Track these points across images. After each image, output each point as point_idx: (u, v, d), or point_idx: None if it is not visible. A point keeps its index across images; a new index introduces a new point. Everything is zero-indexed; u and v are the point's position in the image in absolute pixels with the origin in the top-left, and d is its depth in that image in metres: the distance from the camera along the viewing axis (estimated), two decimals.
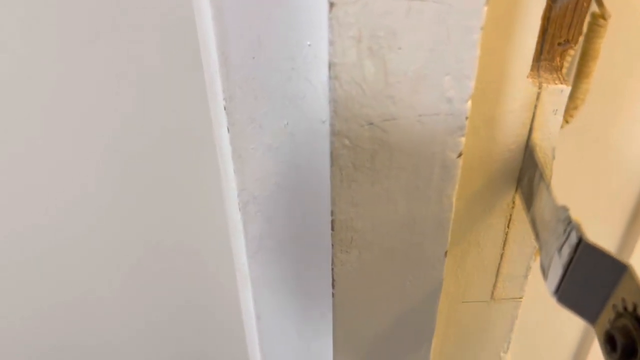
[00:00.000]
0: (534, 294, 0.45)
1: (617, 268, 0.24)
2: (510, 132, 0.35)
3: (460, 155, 0.31)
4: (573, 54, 0.36)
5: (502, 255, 0.41)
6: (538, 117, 0.35)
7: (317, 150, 0.36)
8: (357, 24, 0.27)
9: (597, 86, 0.44)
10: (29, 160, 0.48)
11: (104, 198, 0.50)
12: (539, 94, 0.34)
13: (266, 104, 0.35)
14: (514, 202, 0.39)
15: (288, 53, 0.33)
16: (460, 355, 0.48)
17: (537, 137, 0.35)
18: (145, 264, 0.55)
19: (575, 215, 0.26)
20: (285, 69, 0.33)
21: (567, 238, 0.26)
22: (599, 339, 0.25)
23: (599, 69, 0.38)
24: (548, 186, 0.31)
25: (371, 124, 0.30)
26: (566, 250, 0.26)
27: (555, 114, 0.34)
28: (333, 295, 0.38)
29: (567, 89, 0.34)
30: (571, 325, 0.69)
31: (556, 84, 0.33)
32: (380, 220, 0.34)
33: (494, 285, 0.43)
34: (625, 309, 0.23)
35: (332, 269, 0.37)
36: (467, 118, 0.30)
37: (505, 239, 0.40)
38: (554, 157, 0.36)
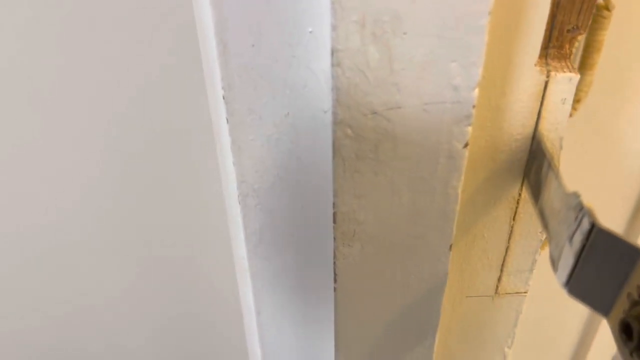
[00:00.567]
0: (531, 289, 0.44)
1: (632, 254, 0.23)
2: (517, 122, 0.34)
3: (466, 145, 0.30)
4: (578, 43, 0.35)
5: (507, 249, 0.40)
6: (546, 106, 0.34)
7: (318, 141, 0.35)
8: (361, 8, 0.26)
9: (601, 78, 0.43)
10: (28, 159, 0.47)
11: (100, 193, 0.49)
12: (546, 83, 0.33)
13: (266, 93, 0.34)
14: (520, 195, 0.38)
15: (289, 40, 0.32)
16: (464, 351, 0.48)
17: (544, 126, 0.34)
18: (142, 259, 0.54)
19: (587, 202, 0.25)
20: (286, 57, 0.32)
21: (578, 225, 0.25)
22: (613, 330, 0.24)
23: (602, 61, 0.37)
24: (557, 174, 0.29)
25: (375, 112, 0.29)
26: (578, 238, 0.25)
27: (563, 103, 0.33)
28: (335, 289, 0.37)
29: (575, 77, 0.33)
30: (571, 322, 0.68)
31: (565, 72, 0.32)
32: (383, 213, 0.33)
33: (499, 280, 0.42)
34: None
35: (334, 263, 0.36)
36: (474, 107, 0.29)
37: (511, 232, 0.40)
38: (561, 148, 0.35)
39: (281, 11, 0.31)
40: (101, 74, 0.43)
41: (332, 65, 0.28)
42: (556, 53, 0.33)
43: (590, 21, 0.34)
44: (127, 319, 0.59)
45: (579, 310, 0.66)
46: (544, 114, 0.34)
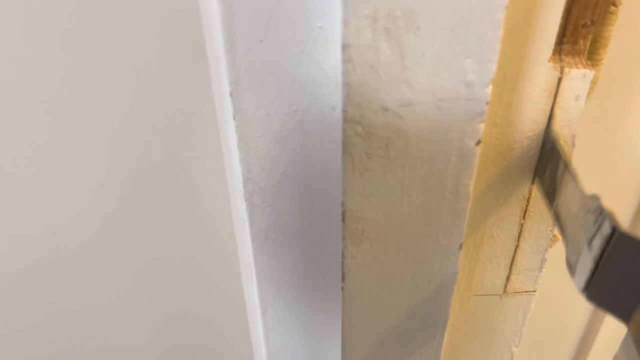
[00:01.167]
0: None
1: None
2: (529, 119, 0.34)
3: (478, 142, 0.30)
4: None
5: (516, 248, 0.40)
6: (559, 103, 0.33)
7: (327, 138, 0.34)
8: (373, 3, 0.26)
9: (606, 74, 0.43)
10: (33, 156, 0.46)
11: (104, 192, 0.48)
12: (560, 79, 0.32)
13: (274, 89, 0.33)
14: (530, 193, 0.37)
15: (297, 35, 0.31)
16: (471, 350, 0.47)
17: (556, 124, 0.34)
18: (146, 257, 0.54)
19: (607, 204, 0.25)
20: (294, 53, 0.32)
21: (598, 228, 0.24)
22: (635, 337, 0.23)
23: (608, 57, 0.37)
24: (575, 177, 0.29)
25: (386, 109, 0.29)
26: (597, 242, 0.24)
27: (577, 100, 0.33)
28: (343, 289, 0.37)
29: (590, 74, 0.32)
30: (572, 321, 0.68)
31: (579, 68, 0.32)
32: (393, 211, 0.33)
33: (507, 278, 0.42)
34: None
35: (342, 262, 0.35)
36: (487, 103, 0.28)
37: (521, 230, 0.39)
38: (574, 145, 0.35)
39: (290, 6, 0.30)
40: (103, 71, 0.42)
41: (343, 61, 0.28)
42: (570, 49, 0.33)
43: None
44: (130, 318, 0.59)
45: (581, 308, 0.65)
46: (556, 111, 0.33)
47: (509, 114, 0.34)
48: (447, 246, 0.34)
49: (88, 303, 0.57)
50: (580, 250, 0.27)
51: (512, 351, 0.47)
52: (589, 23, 0.32)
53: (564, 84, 0.32)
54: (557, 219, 0.31)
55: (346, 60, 0.27)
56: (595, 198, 0.26)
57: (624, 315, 0.24)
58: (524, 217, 0.38)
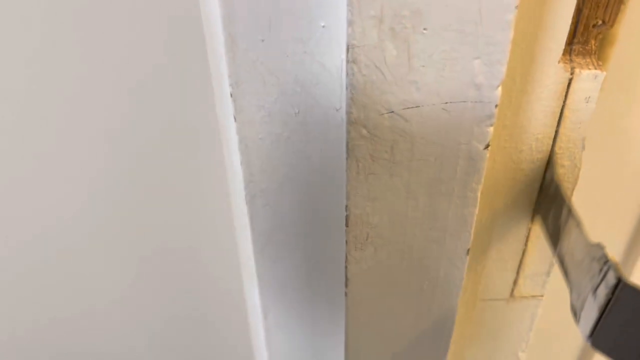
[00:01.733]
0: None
1: None
2: (538, 122, 0.33)
3: (487, 146, 0.29)
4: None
5: (524, 252, 0.39)
6: (569, 105, 0.32)
7: (330, 140, 0.33)
8: (379, 2, 0.25)
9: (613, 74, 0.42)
10: (32, 155, 0.46)
11: (104, 193, 0.48)
12: (570, 80, 0.31)
13: (276, 90, 0.32)
14: (538, 196, 0.36)
15: (300, 35, 0.30)
16: (477, 355, 0.46)
17: (566, 126, 0.33)
18: (146, 259, 0.53)
19: (612, 254, 0.25)
20: (297, 53, 0.31)
21: (603, 278, 0.25)
22: None
23: (615, 56, 0.36)
24: (579, 223, 0.29)
25: (392, 112, 0.28)
26: (602, 292, 0.25)
27: (587, 102, 0.32)
28: (346, 294, 0.36)
29: (601, 75, 0.31)
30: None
31: (590, 69, 0.31)
32: (398, 216, 0.32)
33: (515, 283, 0.41)
34: None
35: (346, 267, 0.34)
36: (496, 106, 0.28)
37: (528, 234, 0.38)
38: (583, 148, 0.34)
39: (292, 4, 0.29)
40: (102, 70, 0.41)
41: (348, 61, 0.27)
42: (581, 49, 0.32)
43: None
44: (130, 321, 0.58)
45: None
46: (566, 113, 0.32)
47: (518, 116, 0.33)
48: (453, 252, 0.34)
49: (90, 305, 0.57)
50: (585, 297, 0.27)
51: (518, 356, 0.46)
52: (600, 23, 0.31)
53: (574, 85, 0.31)
54: (561, 263, 0.31)
55: (351, 60, 0.27)
56: (600, 247, 0.26)
57: None
58: (532, 221, 0.38)
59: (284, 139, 0.34)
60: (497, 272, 0.40)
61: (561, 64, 0.31)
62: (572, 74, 0.31)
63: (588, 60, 0.32)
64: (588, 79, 0.31)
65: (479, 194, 0.31)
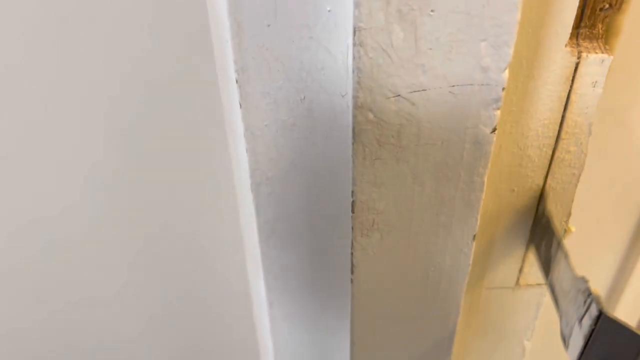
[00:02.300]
0: None
1: (636, 341, 0.25)
2: (545, 106, 0.33)
3: (494, 130, 0.29)
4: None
5: (529, 239, 0.39)
6: (575, 89, 0.32)
7: (336, 126, 0.33)
8: None
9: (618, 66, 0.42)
10: (29, 155, 0.46)
11: (108, 183, 0.48)
12: (577, 64, 0.31)
13: (281, 76, 0.32)
14: (545, 182, 0.36)
15: (306, 20, 0.30)
16: (482, 343, 0.46)
17: (573, 111, 0.33)
18: (150, 250, 0.53)
19: (594, 287, 0.28)
20: (303, 38, 0.31)
21: (587, 309, 0.27)
22: None
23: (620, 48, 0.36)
24: (567, 256, 0.31)
25: (398, 95, 0.28)
26: (587, 322, 0.27)
27: (594, 87, 0.32)
28: (352, 281, 0.36)
29: (608, 59, 0.31)
30: None
31: (597, 53, 0.31)
32: (404, 201, 0.32)
33: (520, 271, 0.41)
34: None
35: (352, 254, 0.34)
36: (503, 89, 0.27)
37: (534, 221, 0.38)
38: (590, 134, 0.34)
39: None
40: (106, 60, 0.41)
41: (354, 44, 0.27)
42: (588, 33, 0.31)
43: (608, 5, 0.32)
44: (134, 312, 0.58)
45: None
46: (573, 97, 0.32)
47: (524, 102, 0.33)
48: (460, 237, 0.34)
49: (93, 297, 0.57)
50: (572, 326, 0.29)
51: (524, 345, 0.46)
52: (607, 6, 0.31)
53: (581, 69, 0.31)
54: (552, 291, 0.34)
55: (358, 44, 0.27)
56: (584, 280, 0.28)
57: None
58: (537, 208, 0.38)
59: (289, 125, 0.34)
60: (503, 261, 0.40)
61: (568, 48, 0.31)
62: (579, 58, 0.31)
63: (595, 44, 0.31)
64: (595, 63, 0.31)
65: (485, 179, 0.31)
